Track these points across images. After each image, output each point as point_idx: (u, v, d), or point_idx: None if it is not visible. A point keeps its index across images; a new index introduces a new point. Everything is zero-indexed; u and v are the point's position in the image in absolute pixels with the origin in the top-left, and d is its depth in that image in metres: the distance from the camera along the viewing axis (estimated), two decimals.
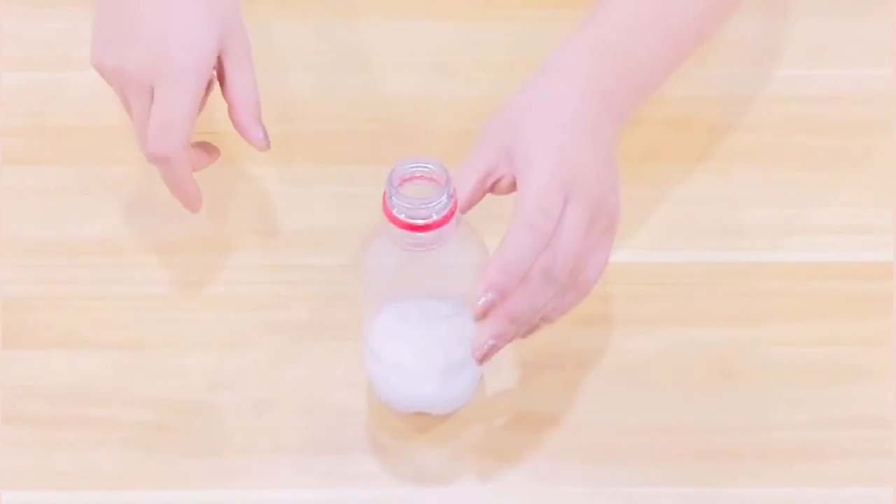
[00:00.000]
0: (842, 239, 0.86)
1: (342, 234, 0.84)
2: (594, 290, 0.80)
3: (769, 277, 0.84)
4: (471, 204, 0.73)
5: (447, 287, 0.72)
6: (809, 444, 0.78)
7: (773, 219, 0.87)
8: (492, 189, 0.73)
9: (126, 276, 0.85)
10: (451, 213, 0.67)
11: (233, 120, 0.78)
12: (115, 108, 0.93)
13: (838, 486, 0.76)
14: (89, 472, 0.77)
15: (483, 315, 0.69)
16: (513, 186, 0.72)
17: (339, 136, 0.92)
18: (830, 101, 0.93)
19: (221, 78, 0.78)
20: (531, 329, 0.73)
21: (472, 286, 0.71)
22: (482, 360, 0.71)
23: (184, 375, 0.80)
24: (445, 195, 0.67)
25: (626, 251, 0.85)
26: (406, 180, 0.68)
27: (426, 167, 0.68)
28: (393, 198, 0.67)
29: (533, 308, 0.71)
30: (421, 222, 0.67)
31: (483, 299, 0.69)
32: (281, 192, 0.89)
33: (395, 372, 0.75)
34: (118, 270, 0.85)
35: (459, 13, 0.99)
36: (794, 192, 0.89)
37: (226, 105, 0.93)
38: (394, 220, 0.67)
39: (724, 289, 0.84)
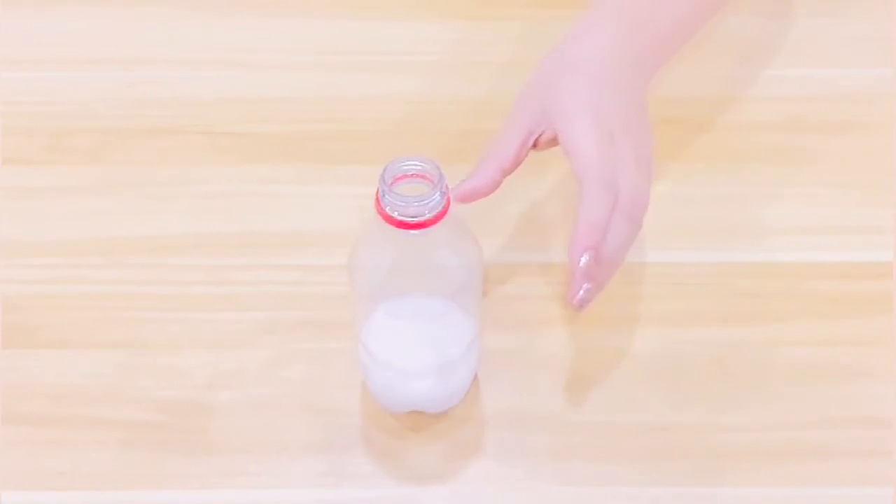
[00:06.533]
0: (842, 239, 0.86)
1: (342, 234, 0.84)
2: None
3: (769, 277, 0.84)
4: (517, 163, 0.76)
5: (440, 285, 0.72)
6: (809, 444, 0.78)
7: (773, 218, 0.87)
8: (534, 146, 0.77)
9: (126, 276, 0.85)
10: (444, 211, 0.67)
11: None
12: (115, 108, 0.94)
13: (838, 486, 0.76)
14: (89, 472, 0.77)
15: (586, 276, 0.72)
16: (553, 142, 0.76)
17: (340, 136, 0.92)
18: (830, 101, 0.93)
19: None
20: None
21: (465, 284, 0.72)
22: (581, 306, 0.73)
23: (184, 375, 0.80)
24: (438, 193, 0.67)
25: None
26: (398, 178, 0.68)
27: (419, 165, 0.68)
28: (386, 195, 0.67)
29: (615, 244, 0.73)
30: (414, 220, 0.67)
31: (583, 260, 0.72)
32: (281, 192, 0.89)
33: (390, 370, 0.75)
34: (118, 270, 0.85)
35: (460, 13, 0.99)
36: (794, 192, 0.89)
37: (229, 105, 0.94)
38: (387, 218, 0.67)
39: (724, 289, 0.84)
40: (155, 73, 0.96)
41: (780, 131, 0.92)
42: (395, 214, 0.67)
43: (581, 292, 0.73)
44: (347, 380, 0.79)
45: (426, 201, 0.67)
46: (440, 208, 0.67)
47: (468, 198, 0.76)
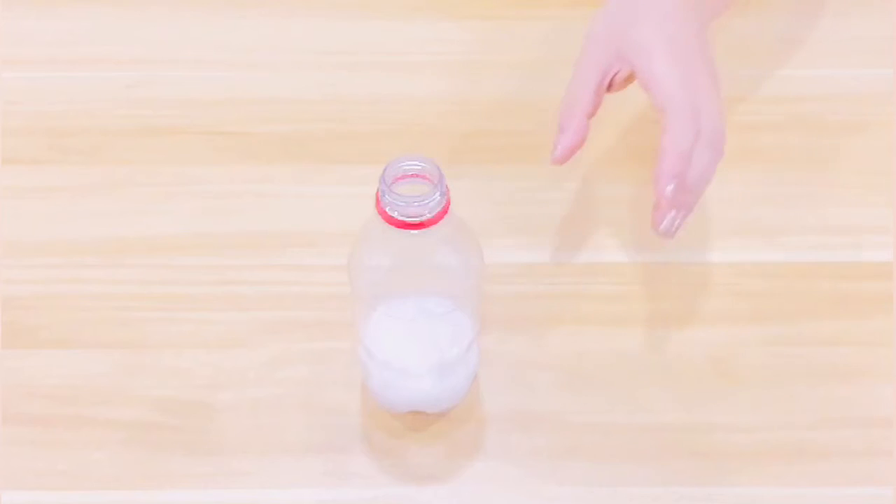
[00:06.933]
0: (842, 239, 0.86)
1: (342, 234, 0.84)
2: (589, 291, 0.83)
3: (769, 277, 0.84)
4: (597, 107, 0.78)
5: (441, 285, 0.72)
6: (809, 444, 0.78)
7: (773, 218, 0.87)
8: (608, 88, 0.79)
9: (126, 276, 0.85)
10: (444, 211, 0.67)
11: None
12: (116, 108, 0.94)
13: (838, 486, 0.76)
14: (89, 472, 0.77)
15: (673, 204, 0.75)
16: (628, 80, 0.79)
17: (340, 136, 0.92)
18: (830, 101, 0.93)
19: None
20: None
21: (465, 284, 0.72)
22: (669, 234, 0.76)
23: (184, 375, 0.80)
24: (438, 193, 0.67)
25: (625, 251, 0.85)
26: (398, 178, 0.68)
27: (419, 165, 0.68)
28: (386, 196, 0.67)
29: (699, 172, 0.75)
30: (414, 220, 0.67)
31: (669, 189, 0.74)
32: (281, 192, 0.89)
33: (390, 370, 0.75)
34: (118, 270, 0.85)
35: (461, 14, 0.99)
36: (794, 192, 0.89)
37: (229, 105, 0.94)
38: (387, 218, 0.67)
39: (724, 288, 0.84)
40: (155, 73, 0.96)
41: (780, 131, 0.92)
42: (395, 214, 0.67)
43: (667, 221, 0.75)
44: (347, 380, 0.79)
45: (426, 201, 0.67)
46: (440, 208, 0.67)
47: (568, 156, 0.78)
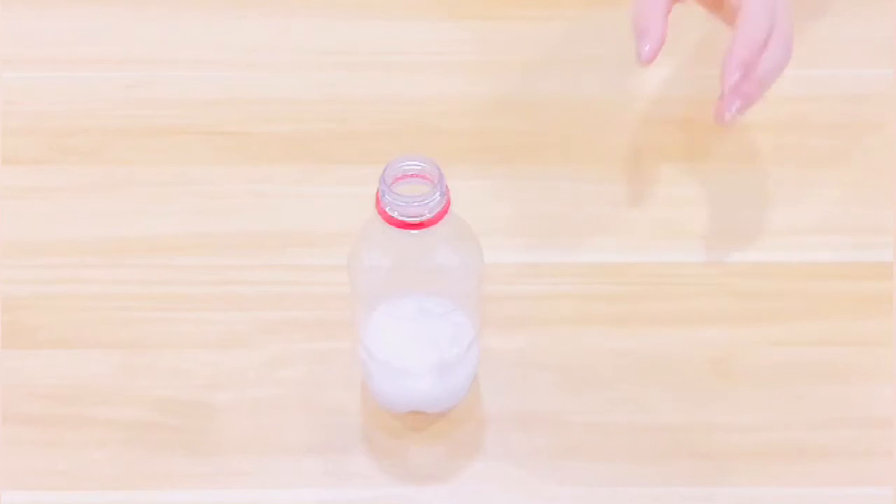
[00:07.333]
0: (842, 239, 0.86)
1: (342, 234, 0.84)
2: (589, 291, 0.83)
3: (768, 277, 0.84)
4: (670, 9, 0.78)
5: (441, 285, 0.72)
6: (809, 444, 0.78)
7: (773, 218, 0.87)
8: None
9: (126, 276, 0.85)
10: (444, 211, 0.67)
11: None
12: (116, 108, 0.94)
13: (838, 486, 0.76)
14: (89, 472, 0.77)
15: (738, 92, 0.77)
16: None
17: (340, 136, 0.92)
18: (830, 101, 0.93)
19: None
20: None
21: (465, 284, 0.72)
22: (731, 121, 0.78)
23: (184, 375, 0.80)
24: (438, 193, 0.67)
25: (626, 251, 0.85)
26: (398, 178, 0.68)
27: (419, 165, 0.68)
28: (386, 196, 0.67)
29: (771, 65, 0.78)
30: (414, 220, 0.67)
31: (735, 75, 0.76)
32: (281, 192, 0.89)
33: (390, 370, 0.75)
34: (118, 270, 0.85)
35: (460, 14, 0.99)
36: (794, 192, 0.89)
37: (228, 105, 0.94)
38: (387, 218, 0.67)
39: (724, 289, 0.84)
40: (155, 73, 0.96)
41: (780, 131, 0.92)
42: (396, 214, 0.67)
43: (733, 109, 0.78)
44: (347, 380, 0.79)
45: (426, 201, 0.67)
46: (440, 208, 0.67)
47: (654, 56, 0.78)
